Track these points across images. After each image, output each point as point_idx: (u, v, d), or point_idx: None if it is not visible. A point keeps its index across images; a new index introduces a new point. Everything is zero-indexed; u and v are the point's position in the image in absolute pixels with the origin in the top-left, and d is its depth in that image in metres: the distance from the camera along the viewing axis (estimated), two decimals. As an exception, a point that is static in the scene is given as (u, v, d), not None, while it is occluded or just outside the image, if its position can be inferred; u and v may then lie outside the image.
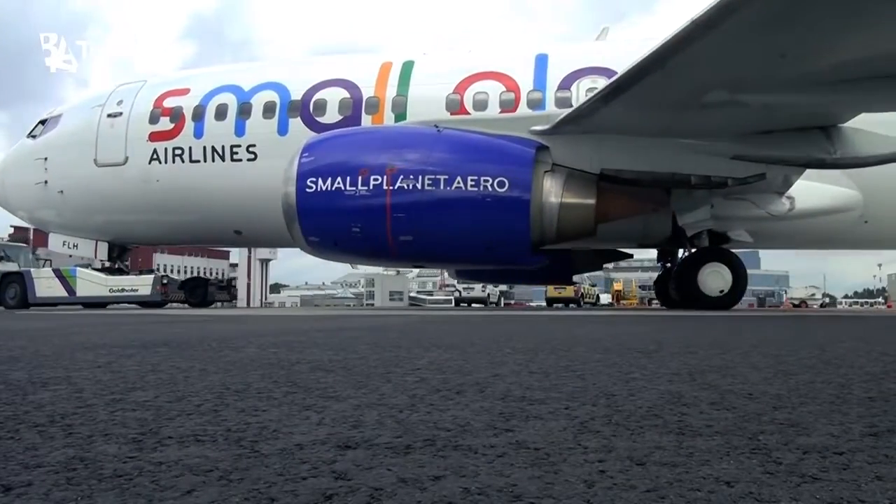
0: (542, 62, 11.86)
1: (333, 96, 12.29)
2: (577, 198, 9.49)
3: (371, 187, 9.20)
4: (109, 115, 13.30)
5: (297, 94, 12.41)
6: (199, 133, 12.70)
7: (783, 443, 1.12)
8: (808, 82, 8.17)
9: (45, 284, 15.26)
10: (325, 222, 9.65)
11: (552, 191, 9.41)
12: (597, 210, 9.53)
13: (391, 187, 9.13)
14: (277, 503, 0.81)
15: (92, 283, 14.93)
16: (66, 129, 13.73)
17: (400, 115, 11.92)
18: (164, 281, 15.67)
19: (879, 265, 72.89)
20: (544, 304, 35.38)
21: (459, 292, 37.10)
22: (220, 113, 12.68)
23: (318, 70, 12.98)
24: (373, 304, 33.67)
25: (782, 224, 11.07)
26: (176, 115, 12.89)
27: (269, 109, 12.46)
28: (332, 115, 12.10)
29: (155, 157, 12.83)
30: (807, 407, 1.49)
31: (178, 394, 1.69)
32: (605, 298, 48.52)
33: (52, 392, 1.72)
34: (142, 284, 15.19)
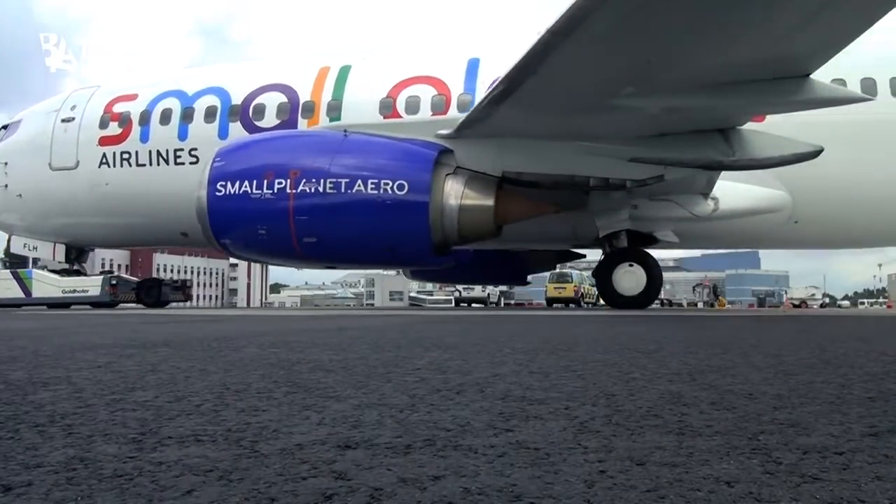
0: (473, 66, 12.10)
1: (272, 101, 12.60)
2: (477, 200, 9.65)
3: (275, 191, 9.45)
4: (63, 121, 13.69)
5: (237, 99, 12.80)
6: (145, 137, 13.07)
7: (783, 443, 1.12)
8: (691, 86, 8.30)
9: (4, 286, 15.66)
10: (233, 225, 9.90)
11: (452, 193, 9.58)
12: (497, 211, 9.68)
13: (294, 191, 9.39)
14: (277, 503, 0.81)
15: (46, 285, 15.32)
16: (24, 135, 14.17)
17: (335, 118, 12.15)
18: (113, 282, 16.04)
19: (879, 265, 73.00)
20: (546, 302, 35.38)
21: (459, 292, 37.09)
22: (165, 117, 13.07)
23: (258, 75, 13.33)
24: (373, 304, 33.69)
25: (710, 224, 11.30)
26: (124, 120, 13.28)
27: (210, 114, 12.82)
28: (270, 119, 12.44)
29: (104, 161, 13.20)
30: (807, 407, 1.49)
31: (178, 394, 1.69)
32: (606, 298, 48.38)
33: (53, 392, 1.72)
34: (92, 285, 15.55)
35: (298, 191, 9.34)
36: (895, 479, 0.90)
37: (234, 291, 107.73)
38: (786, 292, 63.70)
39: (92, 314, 10.67)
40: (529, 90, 8.53)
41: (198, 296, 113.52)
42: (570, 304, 31.94)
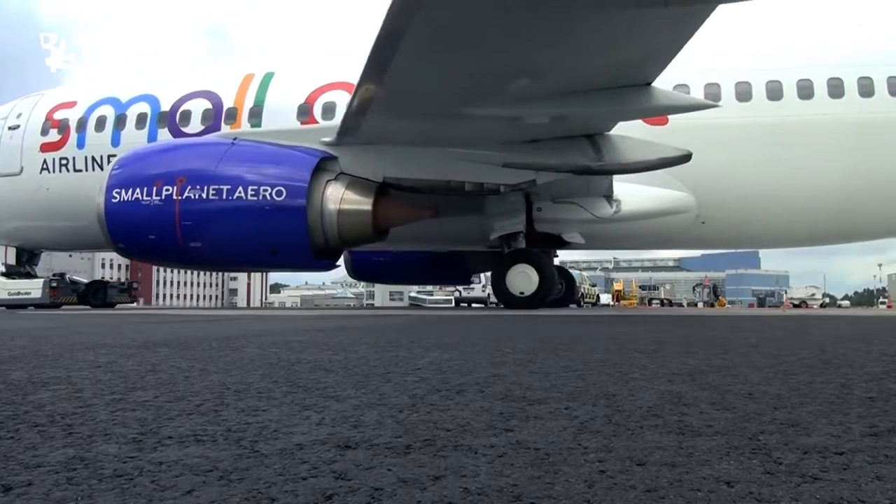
0: None
1: (198, 107, 13.00)
2: (355, 204, 9.91)
3: (163, 197, 9.72)
4: (10, 128, 14.12)
5: (166, 106, 13.19)
6: (81, 144, 13.47)
7: (783, 443, 1.12)
8: (535, 95, 8.48)
9: None
10: (127, 230, 10.20)
11: (332, 198, 9.83)
12: (378, 215, 10.00)
13: (180, 197, 9.66)
14: (277, 503, 0.81)
15: None
16: None
17: (256, 123, 12.52)
18: (53, 284, 16.58)
19: (880, 265, 73.00)
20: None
21: (459, 292, 37.02)
22: (100, 124, 13.46)
23: (188, 81, 13.73)
24: (373, 304, 33.69)
25: (619, 225, 11.57)
26: (63, 127, 13.69)
27: (141, 120, 13.22)
28: (195, 126, 12.81)
29: (45, 167, 13.61)
30: (807, 407, 1.49)
31: (179, 394, 1.69)
32: (606, 298, 48.51)
33: (53, 392, 1.72)
34: (33, 288, 16.02)
35: (184, 197, 9.64)
36: (895, 479, 0.90)
37: (234, 291, 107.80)
38: (786, 292, 63.74)
39: (92, 314, 10.67)
40: (381, 100, 8.77)
41: (198, 296, 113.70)
42: (571, 305, 31.91)
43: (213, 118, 12.81)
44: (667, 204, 11.54)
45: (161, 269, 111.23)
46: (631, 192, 11.18)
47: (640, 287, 57.56)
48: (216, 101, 12.96)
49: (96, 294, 17.83)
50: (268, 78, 13.09)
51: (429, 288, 41.99)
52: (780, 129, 11.35)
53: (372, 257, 16.12)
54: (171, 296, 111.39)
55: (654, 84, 8.52)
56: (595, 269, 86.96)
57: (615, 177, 10.72)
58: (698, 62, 11.73)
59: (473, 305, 32.86)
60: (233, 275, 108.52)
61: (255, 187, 9.53)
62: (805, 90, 11.44)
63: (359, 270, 16.74)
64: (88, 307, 16.98)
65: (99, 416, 1.38)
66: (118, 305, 18.19)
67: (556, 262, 15.85)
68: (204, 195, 9.58)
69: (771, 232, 12.96)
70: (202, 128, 12.63)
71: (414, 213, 10.50)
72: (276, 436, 1.18)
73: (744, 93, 11.64)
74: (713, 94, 11.56)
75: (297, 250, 9.88)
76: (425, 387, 1.80)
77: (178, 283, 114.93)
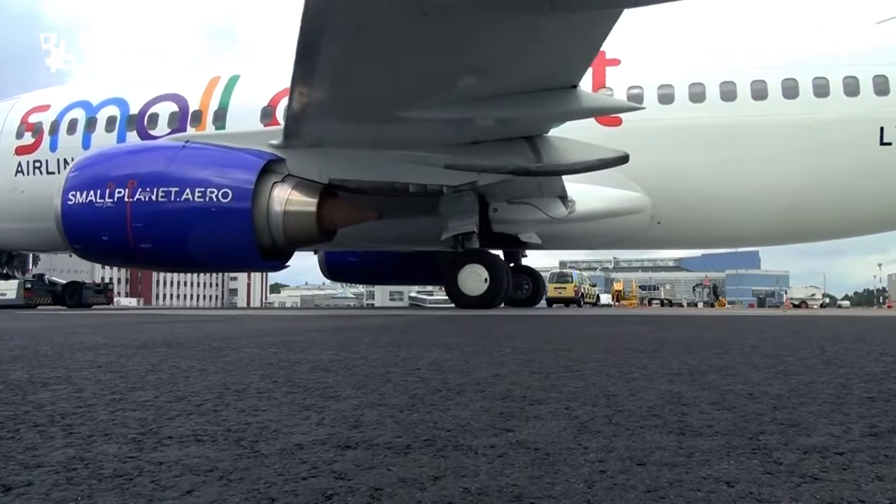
0: None
1: (165, 110, 13.35)
2: (300, 206, 10.13)
3: (115, 199, 10.04)
4: None
5: (135, 108, 13.54)
6: (53, 146, 13.79)
7: (783, 443, 1.12)
8: (468, 99, 8.72)
9: None
10: (82, 231, 10.46)
11: (278, 199, 10.05)
12: (323, 216, 10.22)
13: (131, 199, 9.93)
14: (277, 503, 0.81)
15: None
16: None
17: (220, 126, 12.77)
18: (28, 286, 17.02)
19: (880, 265, 72.94)
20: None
21: (460, 292, 36.98)
22: (72, 127, 13.81)
23: (156, 85, 14.05)
24: (373, 304, 33.68)
25: (577, 225, 11.84)
26: (37, 131, 14.04)
27: (111, 123, 13.56)
28: (162, 128, 13.12)
29: (20, 169, 13.93)
30: (807, 407, 1.49)
31: (179, 394, 1.69)
32: (606, 298, 48.54)
33: (53, 392, 1.72)
34: (8, 289, 16.42)
35: (135, 199, 9.92)
36: (895, 479, 0.90)
37: (234, 291, 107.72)
38: (786, 292, 63.69)
39: (92, 314, 10.68)
40: (316, 104, 9.07)
41: (198, 296, 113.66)
42: (570, 304, 31.94)
43: (180, 121, 13.13)
44: (620, 204, 11.79)
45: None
46: (585, 193, 11.45)
47: (640, 287, 57.62)
48: (183, 104, 13.26)
49: (72, 295, 18.26)
50: (233, 81, 13.37)
51: (429, 288, 41.99)
52: (734, 130, 11.57)
53: (346, 258, 16.53)
54: (171, 296, 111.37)
55: (579, 87, 8.94)
56: (595, 269, 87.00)
57: (570, 178, 11.02)
58: (654, 66, 12.24)
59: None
60: (233, 275, 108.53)
61: (203, 189, 9.79)
62: (759, 92, 11.63)
63: (333, 270, 17.11)
64: (64, 308, 17.27)
65: (99, 416, 1.38)
66: (94, 306, 18.60)
67: (525, 262, 16.36)
68: (153, 197, 9.83)
69: (726, 231, 13.20)
70: (169, 130, 12.90)
71: (359, 215, 10.75)
72: (276, 436, 1.18)
73: (698, 94, 11.84)
74: (667, 96, 11.82)
75: (244, 251, 10.13)
76: (425, 387, 1.80)
77: (178, 283, 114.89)
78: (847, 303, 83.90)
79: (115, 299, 21.67)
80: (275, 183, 10.09)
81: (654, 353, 2.80)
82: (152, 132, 12.97)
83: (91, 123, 13.62)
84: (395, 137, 9.74)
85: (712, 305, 43.71)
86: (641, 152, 11.44)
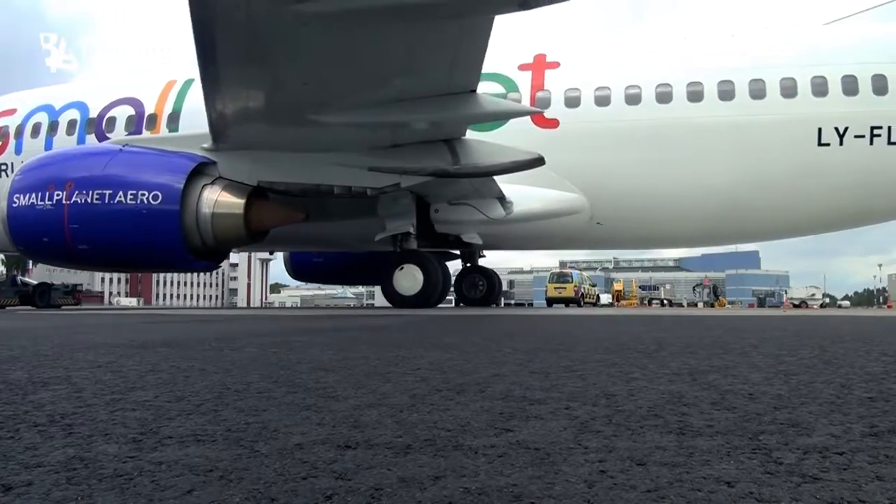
0: None
1: (122, 113, 13.70)
2: (228, 208, 10.42)
3: (54, 202, 10.26)
4: None
5: (94, 112, 13.88)
6: (18, 150, 14.08)
7: (784, 443, 1.12)
8: (373, 103, 9.04)
9: None
10: (25, 233, 10.72)
11: (207, 201, 10.34)
12: (251, 218, 10.53)
13: (69, 202, 10.19)
14: (278, 503, 0.81)
15: None
16: None
17: (174, 128, 13.10)
18: None
19: (880, 265, 72.98)
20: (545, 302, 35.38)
21: (460, 292, 37.03)
22: (35, 130, 14.12)
23: (115, 89, 14.36)
24: (373, 304, 33.66)
25: (517, 226, 12.05)
26: (3, 134, 14.36)
27: (71, 126, 13.89)
28: (119, 132, 13.43)
29: None
30: (807, 407, 1.49)
31: (178, 393, 1.69)
32: (606, 298, 48.54)
33: (53, 392, 1.72)
34: None
35: (72, 202, 10.18)
36: (895, 480, 0.90)
37: (234, 291, 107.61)
38: (786, 292, 63.68)
39: (92, 314, 10.68)
40: (227, 109, 9.42)
41: (198, 296, 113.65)
42: (570, 304, 31.94)
43: (136, 124, 13.49)
44: (558, 205, 11.99)
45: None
46: (523, 194, 11.69)
47: (640, 287, 57.59)
48: (139, 108, 13.60)
49: (42, 296, 18.73)
50: (187, 84, 13.56)
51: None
52: (670, 132, 11.76)
53: (310, 258, 16.88)
54: (171, 296, 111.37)
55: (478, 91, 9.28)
56: (595, 269, 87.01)
57: (508, 179, 11.35)
58: (592, 69, 12.46)
59: (473, 305, 32.76)
60: (233, 274, 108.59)
61: (135, 192, 10.10)
62: (695, 94, 11.80)
63: (297, 270, 17.45)
64: (33, 308, 17.60)
65: (99, 415, 1.38)
66: (63, 307, 18.86)
67: (482, 262, 16.71)
68: (89, 199, 10.11)
69: (665, 232, 13.44)
70: (126, 133, 13.22)
71: (286, 216, 11.02)
72: (276, 435, 1.18)
73: (634, 96, 12.00)
74: (603, 98, 12.01)
75: (173, 251, 10.40)
76: (425, 386, 1.80)
77: (178, 283, 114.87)
78: (847, 303, 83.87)
79: (98, 300, 22.43)
80: (204, 185, 10.40)
81: (655, 354, 2.80)
82: (110, 135, 13.27)
83: (53, 127, 13.96)
84: (319, 140, 9.98)
85: (712, 305, 43.70)
86: (578, 154, 11.90)
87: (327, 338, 4.01)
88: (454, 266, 16.19)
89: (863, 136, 11.17)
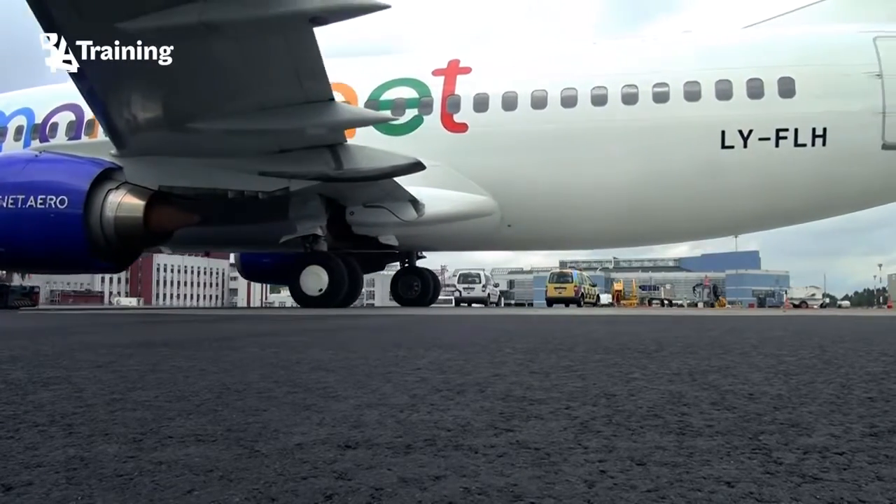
0: None
1: (63, 119, 14.15)
2: (129, 211, 10.88)
3: None
4: None
5: (39, 118, 14.35)
6: None
7: (784, 443, 1.12)
8: (240, 112, 9.60)
9: None
10: None
11: (111, 205, 10.81)
12: (152, 221, 10.99)
13: None
14: (278, 503, 0.81)
15: None
16: None
17: None
18: None
19: (880, 265, 73.01)
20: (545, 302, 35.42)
21: (459, 292, 37.10)
22: None
23: (59, 95, 14.61)
24: (373, 304, 33.71)
25: (431, 228, 12.45)
26: None
27: (18, 132, 14.42)
28: (61, 137, 13.92)
29: None
30: (807, 407, 1.49)
31: (179, 393, 1.69)
32: (606, 298, 48.54)
33: (53, 392, 1.72)
34: None
35: None
36: (895, 480, 0.90)
37: (234, 291, 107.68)
38: (786, 292, 63.70)
39: (91, 314, 10.68)
40: (114, 118, 10.13)
41: (198, 296, 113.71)
42: (570, 304, 31.95)
43: (76, 129, 13.91)
44: (468, 207, 12.39)
45: (161, 268, 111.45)
46: (434, 197, 12.11)
47: (640, 287, 57.59)
48: (79, 114, 13.92)
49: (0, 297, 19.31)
50: None
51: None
52: (574, 135, 12.09)
53: (259, 259, 17.27)
54: (171, 296, 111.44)
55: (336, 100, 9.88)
56: (595, 269, 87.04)
57: (419, 182, 11.80)
58: (501, 74, 12.82)
59: (473, 305, 32.87)
60: (233, 274, 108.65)
61: (44, 196, 10.51)
62: (600, 98, 12.06)
63: (247, 270, 17.98)
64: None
65: (99, 415, 1.38)
66: (21, 308, 19.17)
67: (420, 263, 17.19)
68: (4, 204, 10.54)
69: (573, 233, 13.84)
70: (66, 139, 13.66)
71: (184, 219, 11.46)
72: (277, 435, 1.18)
73: (540, 100, 12.25)
74: (510, 100, 12.32)
75: (78, 253, 10.77)
76: (426, 386, 1.80)
77: (178, 282, 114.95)
78: (847, 303, 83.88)
79: (40, 301, 22.76)
80: (110, 189, 10.86)
81: (655, 354, 2.80)
82: (52, 140, 13.70)
83: (3, 133, 14.44)
84: (209, 146, 10.43)
85: (712, 305, 43.70)
86: (486, 157, 12.28)
87: (327, 338, 4.01)
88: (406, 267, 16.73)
89: (768, 139, 11.39)
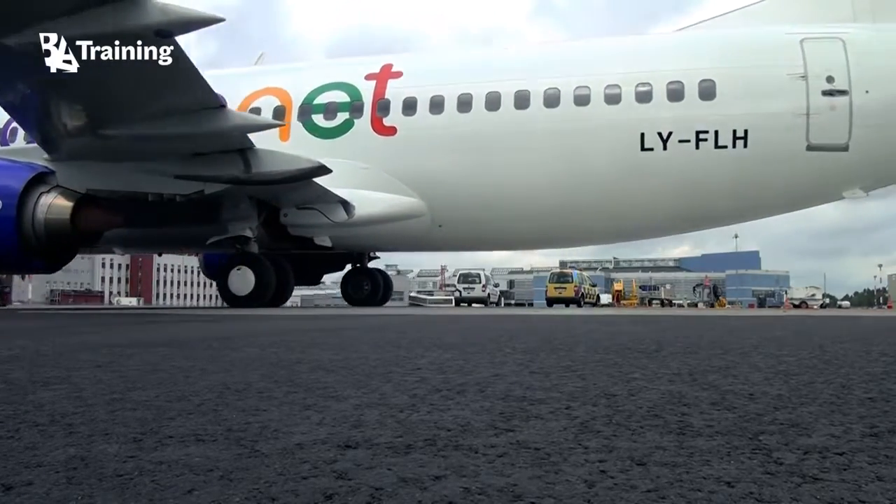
0: None
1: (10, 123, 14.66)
2: (58, 213, 11.23)
3: None
4: None
5: (0, 122, 14.65)
6: None
7: (784, 443, 1.12)
8: (138, 119, 10.03)
9: None
10: None
11: (42, 208, 11.18)
12: (79, 223, 11.32)
13: None
14: (278, 503, 0.81)
15: None
16: None
17: None
18: None
19: (880, 266, 73.04)
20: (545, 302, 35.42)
21: (460, 292, 37.13)
22: None
23: None
24: (373, 304, 33.71)
25: (366, 229, 12.75)
26: None
27: None
28: (20, 140, 14.23)
29: None
30: (807, 407, 1.49)
31: (179, 393, 1.69)
32: (606, 298, 48.54)
33: (53, 391, 1.72)
34: None
35: None
36: (895, 480, 0.90)
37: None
38: (786, 292, 63.70)
39: (92, 314, 10.68)
40: (37, 125, 10.65)
41: (198, 295, 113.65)
42: (571, 304, 31.95)
43: (11, 134, 14.30)
44: (397, 209, 12.69)
45: (161, 268, 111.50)
46: (365, 198, 12.42)
47: (640, 287, 57.59)
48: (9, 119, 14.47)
49: None
50: None
51: (429, 287, 41.98)
52: (497, 137, 12.31)
53: (220, 259, 17.64)
54: (171, 295, 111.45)
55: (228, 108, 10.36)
56: (595, 269, 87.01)
57: (350, 184, 12.22)
58: (430, 78, 13.08)
59: (474, 305, 32.88)
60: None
61: None
62: (522, 101, 12.26)
63: (209, 269, 18.17)
64: None
65: (99, 415, 1.38)
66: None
67: (374, 264, 17.57)
68: None
69: (501, 234, 14.08)
70: (25, 143, 13.86)
71: (110, 220, 11.81)
72: (277, 435, 1.18)
73: (465, 103, 12.49)
74: (438, 103, 12.58)
75: (13, 254, 11.18)
76: (426, 386, 1.80)
77: (178, 282, 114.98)
78: (847, 303, 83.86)
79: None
80: (42, 192, 11.21)
81: (655, 354, 2.80)
82: (12, 144, 14.12)
83: None
84: (127, 151, 10.74)
85: (712, 306, 43.71)
86: (414, 159, 12.55)
87: (327, 337, 4.01)
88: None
89: (688, 141, 11.48)
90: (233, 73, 15.72)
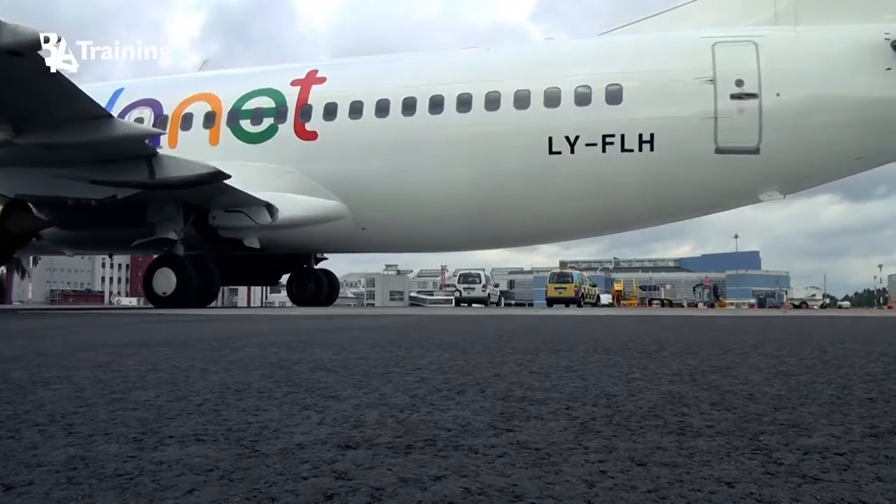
0: (115, 95, 14.43)
1: None
2: None
3: None
4: None
5: None
6: None
7: (784, 443, 1.12)
8: (41, 128, 10.35)
9: None
10: None
11: None
12: (9, 226, 11.81)
13: None
14: (278, 503, 0.81)
15: None
16: None
17: None
18: None
19: (880, 266, 73.02)
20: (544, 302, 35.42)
21: (460, 292, 37.14)
22: None
23: None
24: (373, 304, 33.72)
25: (293, 231, 13.03)
26: None
27: None
28: None
29: None
30: (807, 408, 1.49)
31: (179, 393, 1.69)
32: (606, 298, 48.53)
33: (53, 391, 1.72)
34: None
35: None
36: (895, 480, 0.90)
37: (234, 291, 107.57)
38: (786, 293, 63.65)
39: (92, 314, 10.68)
40: None
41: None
42: (571, 304, 31.96)
43: None
44: (320, 212, 12.99)
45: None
46: (288, 201, 12.73)
47: (640, 287, 57.59)
48: None
49: None
50: None
51: (429, 287, 42.03)
52: (413, 141, 12.55)
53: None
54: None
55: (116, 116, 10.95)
56: (595, 269, 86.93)
57: (273, 187, 12.57)
58: (352, 83, 13.33)
59: (474, 305, 32.88)
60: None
61: None
62: (436, 104, 12.43)
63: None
64: None
65: (99, 415, 1.38)
66: None
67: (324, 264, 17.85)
68: None
69: (423, 236, 14.30)
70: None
71: (37, 224, 12.19)
72: (277, 435, 1.18)
73: (383, 108, 12.69)
74: (357, 108, 12.79)
75: None
76: (426, 387, 1.80)
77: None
78: (847, 303, 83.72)
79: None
80: None
81: (655, 354, 2.80)
82: None
83: None
84: (46, 158, 10.98)
85: (712, 306, 43.71)
86: (334, 163, 12.82)
87: (327, 337, 4.01)
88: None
89: (594, 145, 11.60)
90: (171, 79, 16.17)
